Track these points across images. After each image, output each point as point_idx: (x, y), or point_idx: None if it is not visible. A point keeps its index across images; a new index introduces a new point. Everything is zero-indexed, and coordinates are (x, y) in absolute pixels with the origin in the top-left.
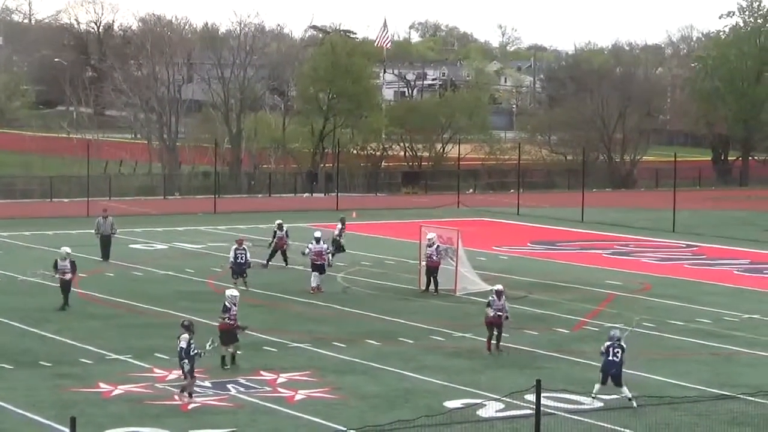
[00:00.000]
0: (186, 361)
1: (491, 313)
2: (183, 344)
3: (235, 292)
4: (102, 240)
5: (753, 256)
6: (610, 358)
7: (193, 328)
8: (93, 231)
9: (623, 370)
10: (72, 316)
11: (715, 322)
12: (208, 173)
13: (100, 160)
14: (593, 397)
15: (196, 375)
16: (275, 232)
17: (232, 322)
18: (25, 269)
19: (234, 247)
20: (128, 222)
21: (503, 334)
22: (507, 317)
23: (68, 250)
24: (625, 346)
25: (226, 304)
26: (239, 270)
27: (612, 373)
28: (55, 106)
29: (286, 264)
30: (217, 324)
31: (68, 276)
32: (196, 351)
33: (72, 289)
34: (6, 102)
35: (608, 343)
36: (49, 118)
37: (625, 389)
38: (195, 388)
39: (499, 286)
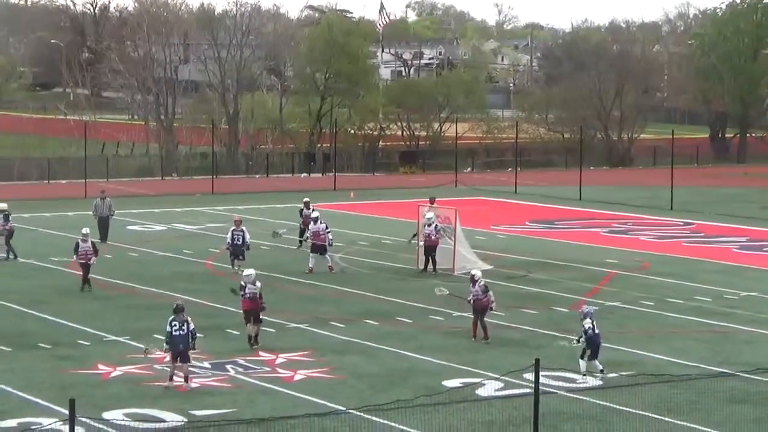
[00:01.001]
0: (177, 345)
1: (469, 298)
2: (167, 328)
3: (249, 271)
4: (100, 221)
5: (751, 233)
6: (597, 331)
7: (181, 310)
8: (91, 213)
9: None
10: (70, 298)
11: (714, 299)
12: (205, 154)
13: (97, 141)
14: (585, 376)
15: (195, 356)
16: (302, 210)
17: (253, 301)
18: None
19: (231, 228)
20: (126, 203)
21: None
22: (491, 308)
23: (87, 230)
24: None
25: (241, 282)
26: (237, 252)
27: (597, 347)
28: (52, 88)
29: (301, 242)
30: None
31: (93, 260)
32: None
33: (69, 270)
34: (3, 84)
35: (589, 320)
36: (46, 99)
37: (597, 363)
38: (194, 369)
39: (474, 272)
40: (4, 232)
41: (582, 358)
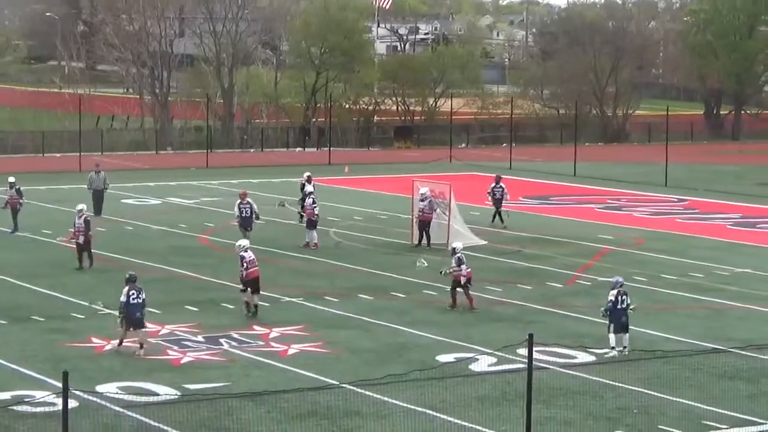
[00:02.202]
0: (134, 313)
1: (448, 270)
2: (123, 298)
3: (242, 242)
4: (94, 195)
5: (745, 210)
6: (621, 306)
7: (135, 279)
8: (85, 186)
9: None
10: (64, 271)
11: (707, 276)
12: (200, 128)
13: (92, 114)
14: (614, 349)
15: (188, 329)
16: (303, 185)
17: (252, 269)
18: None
19: (237, 201)
20: (120, 177)
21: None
22: (463, 278)
23: (82, 207)
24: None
25: (239, 256)
26: (246, 224)
27: (623, 321)
28: (47, 61)
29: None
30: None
31: (81, 238)
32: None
33: (62, 244)
34: None
35: (614, 291)
36: (41, 72)
37: (627, 337)
38: (188, 343)
39: (455, 244)
40: (18, 206)
41: (609, 331)
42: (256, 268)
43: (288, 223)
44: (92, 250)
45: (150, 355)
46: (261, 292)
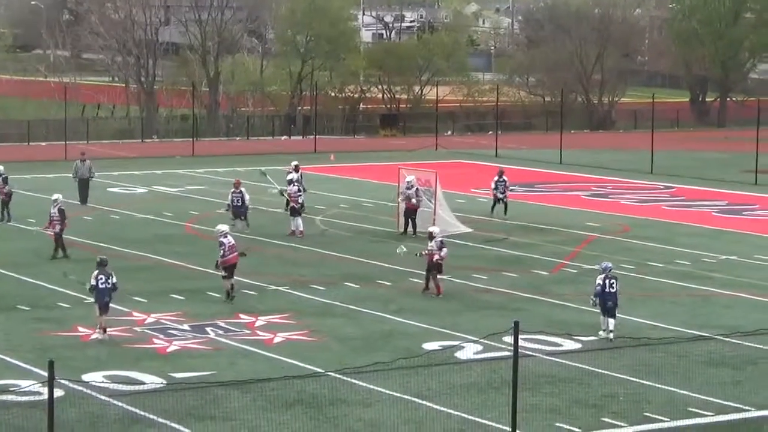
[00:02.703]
0: (102, 298)
1: (424, 252)
2: (93, 281)
3: (221, 227)
4: (80, 183)
5: (731, 198)
6: (608, 290)
7: (105, 264)
8: (71, 175)
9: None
10: (50, 260)
11: (693, 263)
12: (186, 116)
13: (77, 103)
14: (604, 331)
15: (174, 318)
16: (289, 172)
17: (231, 255)
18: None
19: (231, 190)
20: (106, 165)
21: (439, 276)
22: (439, 258)
23: (57, 196)
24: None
25: (218, 241)
26: (238, 213)
27: (609, 306)
28: (32, 50)
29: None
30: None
31: (57, 227)
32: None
33: (48, 233)
34: None
35: (602, 275)
36: (26, 61)
37: (612, 322)
38: (174, 332)
39: (432, 228)
40: (4, 196)
41: (603, 315)
42: (236, 254)
43: (274, 212)
44: (78, 239)
45: (136, 344)
46: (247, 281)
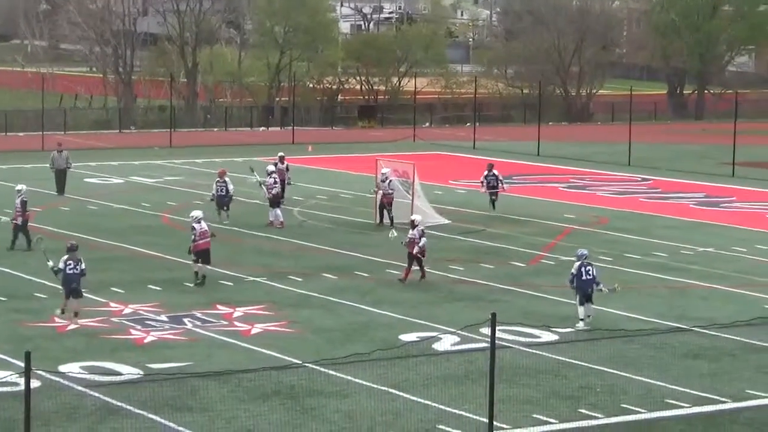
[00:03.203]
0: (71, 283)
1: (405, 241)
2: (61, 265)
3: (195, 213)
4: (57, 174)
5: (708, 190)
6: (584, 277)
7: (75, 249)
8: (48, 165)
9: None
10: (27, 251)
11: (671, 255)
12: (163, 107)
13: (55, 93)
14: (582, 322)
15: (151, 308)
16: (276, 164)
17: (201, 240)
18: None
19: (216, 179)
20: (83, 156)
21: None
22: (419, 251)
23: (21, 187)
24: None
25: (192, 225)
26: (221, 202)
27: (588, 293)
28: (10, 40)
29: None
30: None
31: (19, 219)
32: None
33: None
34: None
35: (578, 263)
36: (4, 51)
37: (591, 307)
38: (151, 322)
39: (413, 216)
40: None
41: (577, 303)
42: (207, 240)
43: (253, 203)
44: (55, 229)
45: (113, 335)
46: (224, 272)
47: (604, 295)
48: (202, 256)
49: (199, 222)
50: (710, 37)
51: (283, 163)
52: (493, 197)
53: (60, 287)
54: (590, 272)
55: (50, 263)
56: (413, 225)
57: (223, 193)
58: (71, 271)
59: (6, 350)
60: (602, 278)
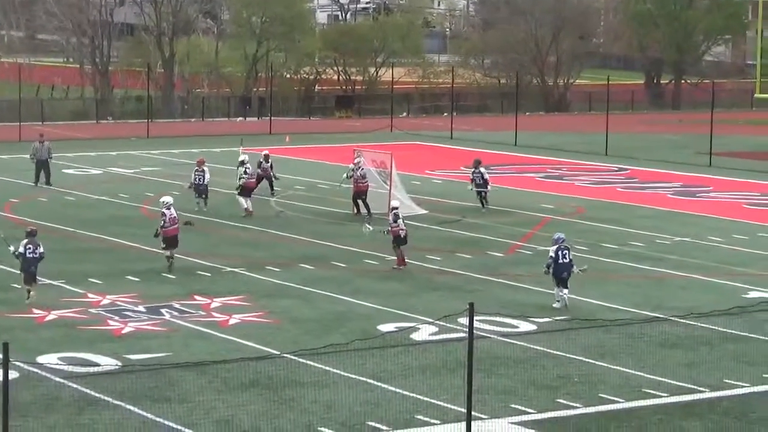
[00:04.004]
0: (29, 267)
1: (386, 230)
2: (21, 249)
3: (165, 198)
4: (38, 165)
5: (685, 179)
6: (561, 261)
7: (34, 234)
8: (28, 156)
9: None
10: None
11: (648, 244)
12: (141, 97)
13: (31, 84)
14: (558, 303)
15: (129, 299)
16: (260, 162)
17: (171, 227)
18: None
19: (194, 168)
20: (61, 146)
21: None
22: (385, 232)
23: None
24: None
25: (161, 211)
26: (199, 191)
27: (564, 276)
28: None
29: (272, 192)
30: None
31: None
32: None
33: (3, 213)
34: None
35: (555, 246)
36: None
37: (566, 292)
38: (128, 313)
39: (392, 202)
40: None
41: (555, 285)
42: (176, 226)
43: (230, 193)
44: (33, 220)
45: (91, 326)
46: (202, 263)
47: (577, 277)
48: (171, 242)
49: (169, 208)
50: (687, 27)
51: (267, 162)
52: (483, 194)
53: (40, 278)
54: (566, 255)
55: (11, 248)
56: (394, 212)
57: (200, 182)
58: (30, 255)
59: None
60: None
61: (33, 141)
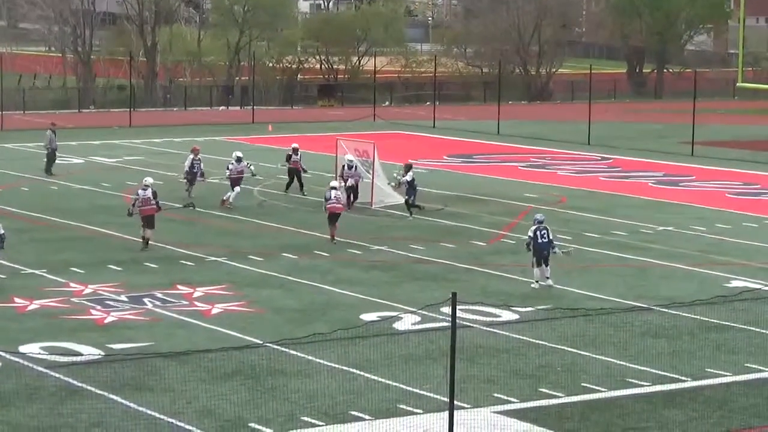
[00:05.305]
0: None
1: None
2: None
3: (147, 179)
4: (51, 154)
5: (667, 169)
6: (539, 240)
7: None
8: (43, 145)
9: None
10: None
11: (630, 234)
12: (123, 86)
13: (14, 73)
14: (537, 282)
15: (111, 289)
16: (290, 155)
17: (145, 207)
18: None
19: (191, 156)
20: (43, 136)
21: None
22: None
23: None
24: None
25: (137, 192)
26: (192, 179)
27: (544, 255)
28: None
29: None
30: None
31: None
32: None
33: None
34: None
35: (534, 227)
36: None
37: (548, 270)
38: (111, 303)
39: (332, 183)
40: None
41: (532, 266)
42: (151, 206)
43: (211, 182)
44: (14, 209)
45: (73, 315)
46: (185, 252)
47: (561, 265)
48: (148, 221)
49: (146, 189)
50: (669, 15)
51: (297, 155)
52: (411, 200)
53: (21, 267)
54: (545, 235)
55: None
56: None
57: (196, 171)
58: None
59: None
60: (562, 257)
61: (44, 130)
